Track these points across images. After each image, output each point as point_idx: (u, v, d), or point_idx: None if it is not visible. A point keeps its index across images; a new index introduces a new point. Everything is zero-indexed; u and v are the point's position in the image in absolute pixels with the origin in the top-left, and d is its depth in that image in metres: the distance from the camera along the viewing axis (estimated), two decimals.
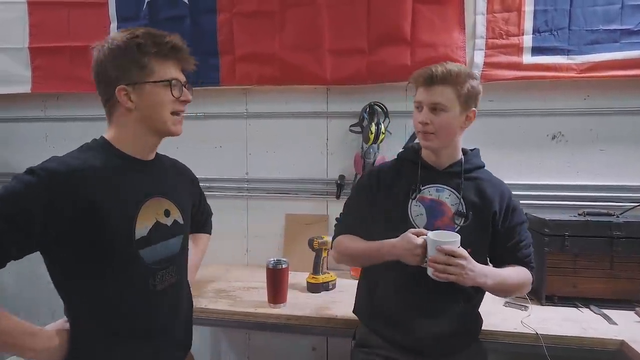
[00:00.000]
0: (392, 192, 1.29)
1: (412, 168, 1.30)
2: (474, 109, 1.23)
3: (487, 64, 1.84)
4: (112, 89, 0.97)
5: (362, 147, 1.94)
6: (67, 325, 0.95)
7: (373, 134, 1.86)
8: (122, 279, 0.96)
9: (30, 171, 0.86)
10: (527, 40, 1.79)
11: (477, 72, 1.82)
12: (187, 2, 2.01)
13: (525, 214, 1.68)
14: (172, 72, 1.00)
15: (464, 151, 1.33)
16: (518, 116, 1.89)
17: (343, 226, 1.37)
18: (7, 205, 0.81)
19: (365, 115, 1.91)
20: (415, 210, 1.26)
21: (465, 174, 1.27)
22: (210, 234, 1.44)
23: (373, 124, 1.87)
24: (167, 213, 1.04)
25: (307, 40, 1.93)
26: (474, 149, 1.36)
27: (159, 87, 0.98)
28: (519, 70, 1.80)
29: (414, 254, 1.12)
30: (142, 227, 0.97)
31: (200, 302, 1.60)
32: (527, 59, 1.80)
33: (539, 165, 1.88)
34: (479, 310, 1.33)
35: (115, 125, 1.01)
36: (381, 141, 1.90)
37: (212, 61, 2.01)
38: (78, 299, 0.95)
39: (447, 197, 1.26)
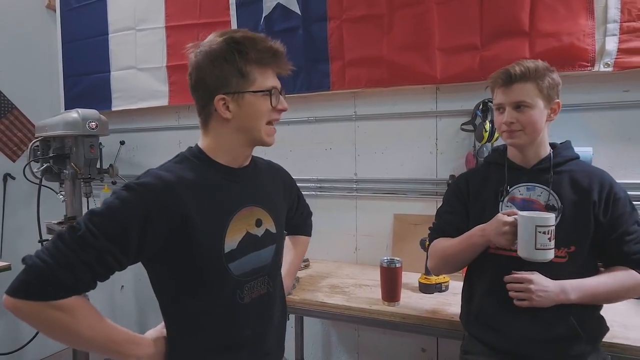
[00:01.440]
0: (481, 197, 1.28)
1: (499, 170, 1.28)
2: (557, 100, 1.21)
3: (621, 50, 1.65)
4: (209, 97, 0.94)
5: (475, 146, 1.88)
6: (165, 332, 0.98)
7: (487, 132, 1.78)
8: (210, 293, 0.95)
9: (128, 187, 0.86)
10: None
11: (609, 60, 1.66)
12: (299, 13, 2.13)
13: None
14: (271, 80, 0.96)
15: (553, 145, 1.26)
16: None
17: (436, 233, 1.36)
18: (107, 223, 0.82)
19: (479, 113, 1.84)
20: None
21: (556, 167, 1.21)
22: (309, 235, 1.40)
23: (487, 121, 1.79)
24: (258, 223, 1.02)
25: (416, 39, 1.93)
26: (565, 141, 1.29)
27: (258, 96, 0.94)
28: None
29: (502, 232, 1.10)
30: (231, 240, 0.95)
31: (317, 296, 1.70)
32: None
33: None
34: (603, 316, 1.21)
35: (211, 134, 0.98)
36: (496, 139, 1.81)
37: (323, 67, 2.10)
38: (172, 310, 0.97)
39: (539, 195, 1.21)
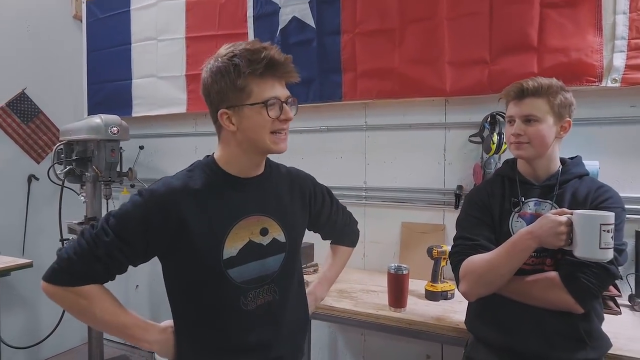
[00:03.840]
0: (498, 209, 1.28)
1: (512, 184, 1.29)
2: (568, 119, 1.24)
3: (629, 67, 1.68)
4: (215, 111, 0.97)
5: (482, 158, 1.92)
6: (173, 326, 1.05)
7: (495, 144, 1.82)
8: (212, 296, 0.99)
9: (139, 192, 0.96)
10: None
11: (616, 75, 1.69)
12: (314, 27, 2.20)
13: None
14: (269, 91, 0.94)
15: (563, 161, 1.28)
16: None
17: (468, 251, 1.24)
18: (117, 222, 0.93)
19: (487, 125, 1.89)
20: (517, 225, 1.24)
21: (563, 184, 1.22)
22: (350, 246, 1.41)
23: (495, 134, 1.83)
24: (264, 232, 1.03)
25: (426, 53, 1.98)
26: (575, 157, 1.30)
27: (256, 109, 0.94)
28: None
29: (558, 232, 1.05)
30: (231, 248, 0.97)
31: (325, 300, 1.72)
32: None
33: None
34: (604, 329, 1.21)
35: (222, 145, 1.01)
36: (503, 151, 1.85)
37: (336, 78, 2.17)
38: (178, 307, 1.03)
39: (543, 209, 1.23)
